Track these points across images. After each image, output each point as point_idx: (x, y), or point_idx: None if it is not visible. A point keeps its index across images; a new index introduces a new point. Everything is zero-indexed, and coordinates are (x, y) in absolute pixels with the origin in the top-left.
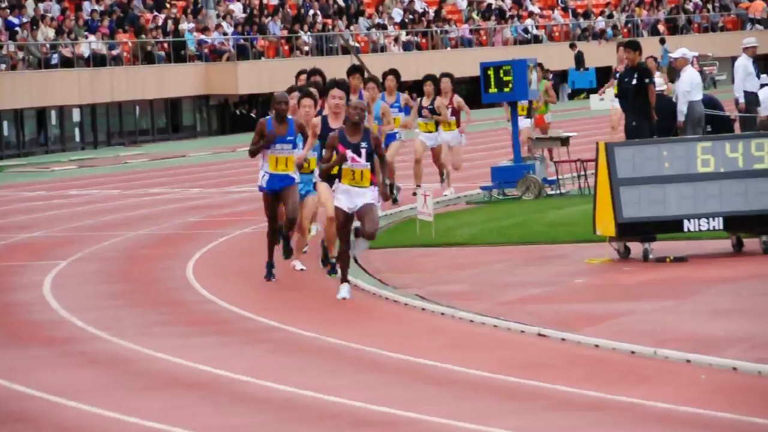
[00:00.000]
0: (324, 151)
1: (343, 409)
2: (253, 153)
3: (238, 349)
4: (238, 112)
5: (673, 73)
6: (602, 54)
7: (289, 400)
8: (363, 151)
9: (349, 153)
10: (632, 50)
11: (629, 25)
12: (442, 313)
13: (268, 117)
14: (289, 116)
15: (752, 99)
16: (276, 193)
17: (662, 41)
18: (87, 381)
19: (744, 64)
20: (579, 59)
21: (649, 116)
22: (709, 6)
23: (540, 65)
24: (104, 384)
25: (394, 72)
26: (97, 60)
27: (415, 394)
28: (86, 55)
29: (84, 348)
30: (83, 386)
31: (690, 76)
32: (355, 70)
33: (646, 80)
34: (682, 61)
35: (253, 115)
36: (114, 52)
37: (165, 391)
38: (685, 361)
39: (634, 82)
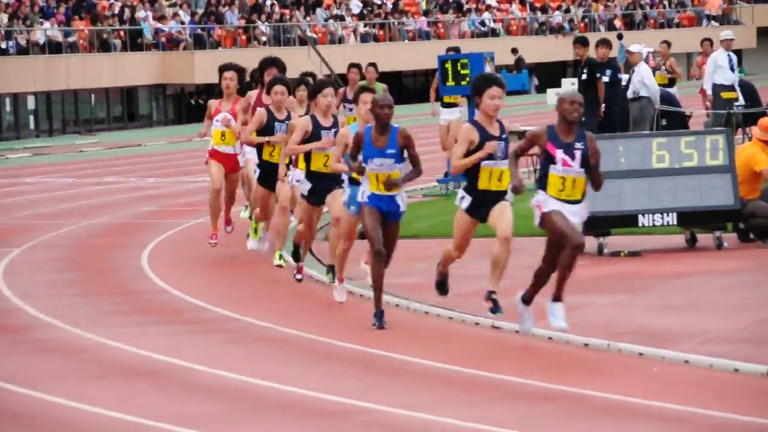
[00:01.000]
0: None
1: (296, 398)
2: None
3: (192, 339)
4: (193, 101)
5: (629, 68)
6: (559, 49)
7: (242, 390)
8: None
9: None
10: (582, 46)
11: (586, 20)
12: (397, 305)
13: (367, 125)
14: (394, 125)
15: (717, 91)
16: (383, 213)
17: (620, 36)
18: (39, 369)
19: (714, 58)
20: (519, 63)
21: (597, 111)
22: (666, 2)
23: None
24: (57, 372)
25: (357, 66)
26: (52, 47)
27: (369, 384)
28: (41, 42)
29: (37, 336)
30: (35, 374)
31: (643, 72)
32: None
33: (597, 75)
34: (637, 57)
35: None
36: (70, 40)
37: (118, 379)
38: (637, 354)
39: (584, 76)
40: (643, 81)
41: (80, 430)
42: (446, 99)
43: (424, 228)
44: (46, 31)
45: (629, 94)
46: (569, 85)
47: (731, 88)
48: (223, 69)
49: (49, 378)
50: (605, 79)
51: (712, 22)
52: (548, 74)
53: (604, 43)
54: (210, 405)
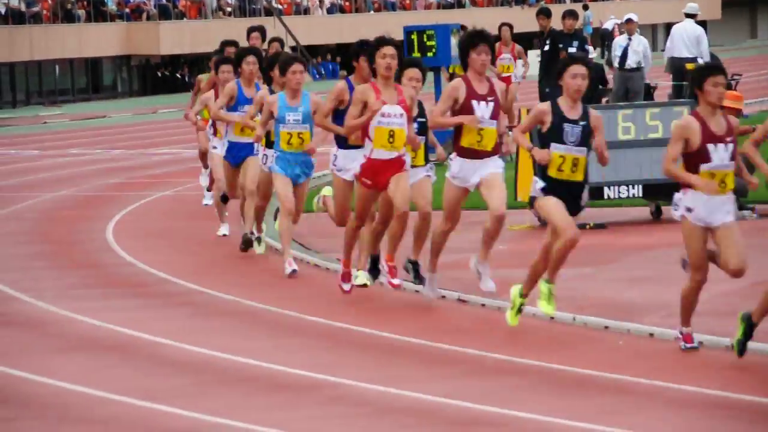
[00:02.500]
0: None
1: (262, 372)
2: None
3: (157, 312)
4: (160, 73)
5: (604, 39)
6: (524, 20)
7: (208, 363)
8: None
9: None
10: (545, 17)
11: None
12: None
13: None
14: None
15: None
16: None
17: (585, 7)
18: (4, 342)
19: (674, 31)
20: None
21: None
22: None
23: (464, 28)
24: (22, 345)
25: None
26: (15, 17)
27: (336, 358)
28: (3, 12)
29: (2, 309)
30: (1, 348)
31: (644, 43)
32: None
33: (560, 46)
34: (634, 26)
35: (179, 76)
36: (33, 10)
37: (84, 352)
38: (603, 328)
39: (546, 47)
40: (646, 52)
41: (45, 403)
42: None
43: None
44: (9, 1)
45: (631, 64)
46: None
47: (694, 60)
48: (242, 54)
49: (13, 351)
50: (572, 50)
51: None
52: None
53: (571, 14)
54: (176, 378)
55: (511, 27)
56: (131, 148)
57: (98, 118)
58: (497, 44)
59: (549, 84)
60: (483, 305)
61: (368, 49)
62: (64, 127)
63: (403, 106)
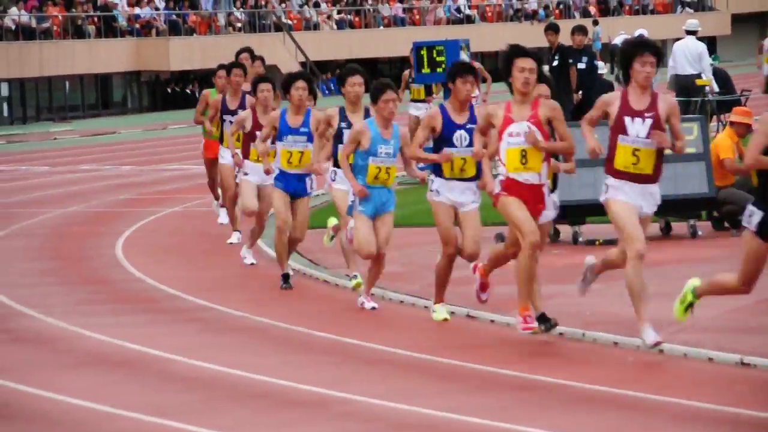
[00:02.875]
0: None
1: (271, 388)
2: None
3: (166, 328)
4: (169, 89)
5: (614, 55)
6: (533, 35)
7: (217, 379)
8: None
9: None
10: (553, 32)
11: (561, 6)
12: (373, 294)
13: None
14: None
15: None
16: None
17: (595, 23)
18: (14, 358)
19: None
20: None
21: (570, 97)
22: None
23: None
24: (31, 361)
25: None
26: (26, 33)
27: (345, 373)
28: (13, 28)
29: (11, 325)
30: (10, 364)
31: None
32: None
33: (570, 61)
34: None
35: (188, 91)
36: (43, 26)
37: (92, 368)
38: (612, 344)
39: (555, 63)
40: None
41: (55, 419)
42: (414, 95)
43: (399, 217)
44: (19, 16)
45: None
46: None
47: (698, 76)
48: (293, 79)
49: (22, 367)
50: (581, 65)
51: (687, 9)
52: None
53: (580, 29)
54: (185, 394)
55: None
56: (141, 164)
57: (108, 134)
58: (407, 72)
59: (559, 99)
60: (492, 321)
61: (507, 59)
62: (74, 143)
63: (534, 122)
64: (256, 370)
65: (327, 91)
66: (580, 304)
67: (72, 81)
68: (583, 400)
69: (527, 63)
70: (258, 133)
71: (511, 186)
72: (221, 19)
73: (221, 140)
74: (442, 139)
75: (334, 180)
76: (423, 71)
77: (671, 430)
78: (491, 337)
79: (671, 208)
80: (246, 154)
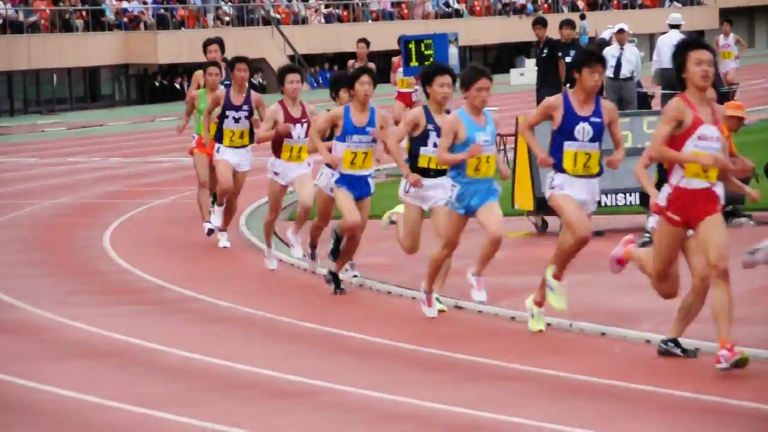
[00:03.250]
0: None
1: (259, 378)
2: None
3: (154, 319)
4: (157, 82)
5: (601, 48)
6: (522, 29)
7: (204, 370)
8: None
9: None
10: (542, 26)
11: (549, 1)
12: (360, 285)
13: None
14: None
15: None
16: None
17: (582, 17)
18: (1, 349)
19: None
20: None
21: (560, 90)
22: None
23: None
24: (18, 352)
25: (364, 40)
26: (13, 27)
27: (332, 364)
28: (1, 21)
29: None
30: None
31: (636, 53)
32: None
33: (559, 54)
34: (626, 36)
35: (176, 85)
36: (31, 20)
37: (80, 360)
38: (600, 334)
39: (544, 55)
40: (638, 62)
41: (42, 410)
42: (399, 85)
43: (387, 209)
44: (6, 10)
45: (625, 74)
46: (532, 66)
47: None
48: (357, 75)
49: (10, 358)
50: (569, 59)
51: (675, 3)
52: (511, 55)
53: (568, 23)
54: (173, 385)
55: (367, 43)
56: (129, 156)
57: (96, 126)
58: (352, 61)
59: (547, 92)
60: (480, 312)
61: (681, 52)
62: (61, 135)
63: (719, 127)
64: (243, 361)
65: (315, 84)
66: (569, 295)
67: (60, 74)
68: (571, 390)
69: (704, 55)
70: (292, 126)
71: (682, 196)
72: (210, 13)
73: (219, 139)
74: (562, 131)
75: (407, 191)
76: (411, 64)
77: (658, 420)
78: (479, 328)
79: None
80: (220, 138)
